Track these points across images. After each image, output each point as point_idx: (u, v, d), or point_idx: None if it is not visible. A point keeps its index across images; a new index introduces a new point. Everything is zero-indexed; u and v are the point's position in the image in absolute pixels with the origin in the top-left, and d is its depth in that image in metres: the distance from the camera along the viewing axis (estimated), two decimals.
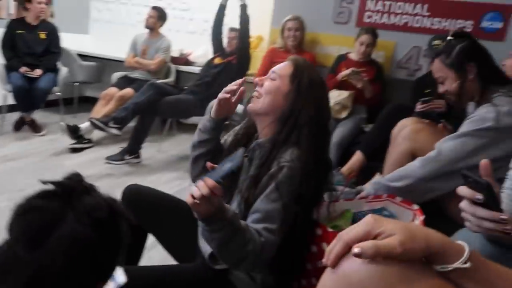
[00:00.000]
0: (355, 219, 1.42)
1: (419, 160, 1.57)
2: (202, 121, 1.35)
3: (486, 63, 1.51)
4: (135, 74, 4.02)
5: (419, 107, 2.40)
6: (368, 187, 1.64)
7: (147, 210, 1.39)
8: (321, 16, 3.41)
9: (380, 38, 3.12)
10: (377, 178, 1.66)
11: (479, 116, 1.49)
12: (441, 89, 1.59)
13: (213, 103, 1.32)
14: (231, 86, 1.28)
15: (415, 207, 1.40)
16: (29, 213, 0.63)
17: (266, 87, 1.23)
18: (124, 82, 3.94)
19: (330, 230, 1.22)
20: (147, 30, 4.07)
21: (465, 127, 1.53)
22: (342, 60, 3.21)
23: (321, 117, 1.21)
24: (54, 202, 0.64)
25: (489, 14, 3.10)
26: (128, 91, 3.70)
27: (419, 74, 3.29)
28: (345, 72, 2.97)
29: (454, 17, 3.20)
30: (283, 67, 1.24)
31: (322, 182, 1.21)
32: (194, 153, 1.36)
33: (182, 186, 2.92)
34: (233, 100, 1.29)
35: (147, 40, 4.09)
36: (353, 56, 3.18)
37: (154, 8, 4.03)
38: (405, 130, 1.75)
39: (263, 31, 3.85)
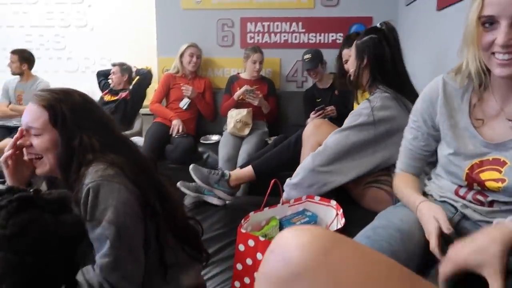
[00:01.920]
0: (281, 225, 1.45)
1: (310, 155, 1.72)
2: None
3: (379, 63, 1.72)
4: (13, 122, 3.65)
5: (313, 115, 2.65)
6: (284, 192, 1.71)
7: None
8: (207, 42, 3.49)
9: (265, 56, 3.30)
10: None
11: (357, 111, 1.72)
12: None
13: None
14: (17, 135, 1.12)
15: (333, 202, 1.49)
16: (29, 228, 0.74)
17: (40, 146, 1.08)
18: (2, 132, 3.56)
19: (262, 239, 1.23)
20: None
21: (347, 121, 1.73)
22: (235, 80, 3.33)
23: (102, 125, 1.12)
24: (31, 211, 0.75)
25: (354, 26, 3.49)
26: (8, 141, 3.32)
27: (306, 85, 3.56)
28: (240, 91, 3.08)
29: (326, 31, 3.54)
30: (37, 118, 1.07)
31: (152, 176, 1.13)
32: None
33: None
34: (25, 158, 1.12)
35: (20, 85, 3.75)
36: (245, 75, 3.32)
37: (13, 52, 3.70)
38: (308, 128, 1.88)
39: (150, 63, 3.81)
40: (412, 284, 0.60)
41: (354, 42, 1.81)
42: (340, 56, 2.38)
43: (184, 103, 3.26)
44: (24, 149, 1.12)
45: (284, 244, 0.59)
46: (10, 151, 1.12)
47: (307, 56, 3.12)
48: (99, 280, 1.00)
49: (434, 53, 1.88)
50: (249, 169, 1.97)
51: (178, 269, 1.14)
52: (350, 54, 1.94)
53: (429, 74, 2.38)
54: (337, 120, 2.46)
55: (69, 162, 1.05)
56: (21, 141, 1.10)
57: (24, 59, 3.71)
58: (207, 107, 3.37)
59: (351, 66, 1.83)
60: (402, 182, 1.24)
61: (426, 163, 1.26)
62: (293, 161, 1.91)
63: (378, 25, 1.77)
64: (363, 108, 1.69)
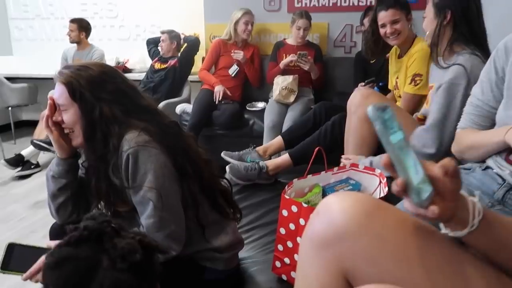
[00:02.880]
0: (325, 192, 1.48)
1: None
2: (51, 167, 1.23)
3: (466, 17, 1.59)
4: None
5: (362, 85, 2.56)
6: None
7: None
8: (253, 7, 3.44)
9: (313, 21, 3.21)
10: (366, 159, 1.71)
11: (453, 73, 1.53)
12: (389, 30, 1.91)
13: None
14: (47, 111, 1.17)
15: (378, 171, 1.48)
16: (62, 265, 0.61)
17: (68, 120, 1.14)
18: None
19: (305, 205, 1.26)
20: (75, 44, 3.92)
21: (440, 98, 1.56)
22: (281, 46, 3.29)
23: (122, 94, 1.15)
24: (86, 248, 0.62)
25: None
26: None
27: (355, 50, 3.45)
28: (287, 60, 3.06)
29: None
30: (60, 94, 1.13)
31: (179, 142, 1.17)
32: (56, 201, 1.22)
33: None
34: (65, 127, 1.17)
35: (77, 53, 3.94)
36: (291, 41, 3.27)
37: (72, 21, 3.88)
38: (355, 98, 1.83)
39: (197, 30, 3.84)
40: (450, 250, 0.62)
41: (430, 2, 1.65)
42: (375, 20, 2.11)
43: (233, 70, 3.28)
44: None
45: (329, 207, 0.63)
46: (46, 113, 1.18)
47: None
48: None
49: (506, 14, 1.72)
50: (286, 157, 1.97)
51: (214, 227, 1.22)
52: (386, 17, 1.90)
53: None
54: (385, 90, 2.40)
55: (93, 133, 1.11)
56: (54, 117, 1.17)
57: (82, 28, 3.88)
58: (255, 73, 3.37)
59: (428, 25, 1.66)
60: (469, 133, 1.18)
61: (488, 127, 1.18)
62: (331, 147, 1.91)
63: None
64: (458, 77, 1.50)
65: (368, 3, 3.38)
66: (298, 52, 3.00)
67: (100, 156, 1.11)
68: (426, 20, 1.70)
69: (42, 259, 1.07)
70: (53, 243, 1.14)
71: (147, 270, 0.66)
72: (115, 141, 1.08)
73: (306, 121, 2.22)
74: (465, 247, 0.63)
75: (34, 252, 1.14)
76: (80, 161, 1.25)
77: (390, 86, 2.30)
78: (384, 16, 2.04)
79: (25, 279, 1.09)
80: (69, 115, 1.13)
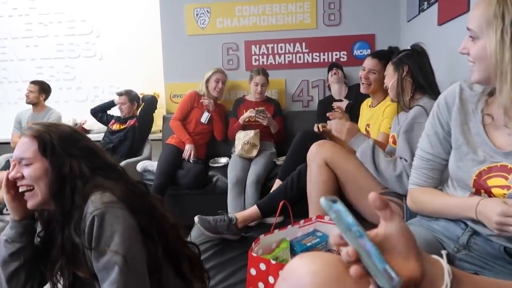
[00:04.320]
0: (292, 246, 1.45)
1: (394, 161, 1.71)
2: (4, 232, 1.18)
3: (421, 69, 1.80)
4: None
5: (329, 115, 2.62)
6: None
7: None
8: (212, 66, 3.53)
9: (270, 77, 3.35)
10: None
11: (414, 113, 1.70)
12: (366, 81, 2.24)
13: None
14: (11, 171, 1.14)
15: None
16: None
17: (31, 175, 1.10)
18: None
19: (273, 262, 1.23)
20: (30, 106, 3.83)
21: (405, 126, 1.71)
22: (241, 102, 3.37)
23: (90, 152, 1.15)
24: None
25: (357, 44, 3.54)
26: (4, 173, 3.36)
27: (312, 104, 3.58)
28: (246, 115, 3.11)
29: (330, 50, 3.58)
30: (26, 148, 1.11)
31: (147, 204, 1.15)
32: (7, 270, 1.14)
33: None
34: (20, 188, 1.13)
35: (32, 116, 3.83)
36: (250, 97, 3.36)
37: (34, 82, 3.81)
38: (312, 149, 1.88)
39: (157, 89, 3.87)
40: None
41: (389, 63, 1.90)
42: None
43: (205, 118, 3.30)
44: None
45: (296, 272, 0.59)
46: (4, 184, 1.13)
47: None
48: None
49: (437, 67, 1.91)
50: (254, 209, 1.97)
51: None
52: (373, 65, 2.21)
53: None
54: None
55: (62, 189, 1.08)
56: (13, 173, 1.12)
57: (43, 90, 3.82)
58: (221, 127, 3.38)
59: (389, 80, 1.88)
60: (432, 194, 1.19)
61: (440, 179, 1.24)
62: (298, 197, 1.93)
63: (409, 47, 1.88)
64: (418, 117, 1.67)
65: (321, 60, 3.57)
66: (256, 109, 3.07)
67: (67, 212, 1.07)
68: (387, 76, 1.92)
69: None
70: None
71: None
72: (79, 198, 1.05)
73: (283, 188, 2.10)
74: None
75: None
76: (38, 229, 1.19)
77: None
78: (367, 62, 2.31)
79: None
80: (33, 170, 1.09)
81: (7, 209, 2.98)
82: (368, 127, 2.31)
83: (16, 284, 1.14)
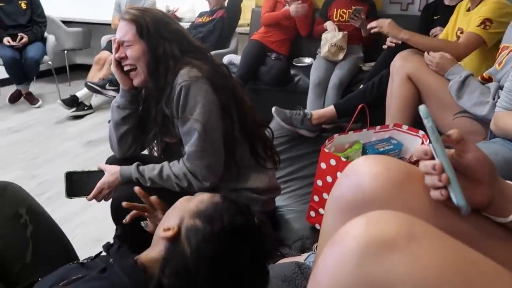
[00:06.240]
0: (365, 149, 1.49)
1: None
2: (116, 99, 1.36)
3: None
4: None
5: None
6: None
7: None
8: None
9: None
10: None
11: None
12: None
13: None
14: (114, 52, 1.28)
15: (421, 133, 1.47)
16: None
17: (132, 55, 1.24)
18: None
19: (343, 159, 1.29)
20: None
21: None
22: (332, 1, 3.17)
23: (181, 35, 1.27)
24: None
25: None
26: (108, 53, 3.65)
27: (412, 8, 3.27)
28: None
29: None
30: (126, 31, 1.24)
31: (229, 85, 1.27)
32: (119, 131, 1.34)
33: None
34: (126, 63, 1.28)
35: (130, 0, 3.98)
36: None
37: None
38: (396, 61, 1.81)
39: None
40: (486, 228, 0.58)
41: None
42: None
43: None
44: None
45: (358, 171, 0.61)
46: (115, 55, 1.29)
47: None
48: (184, 171, 1.21)
49: None
50: (331, 108, 1.99)
51: (250, 170, 1.31)
52: None
53: None
54: None
55: (157, 68, 1.23)
56: (118, 54, 1.27)
57: None
58: (306, 23, 3.20)
59: None
60: None
61: None
62: (377, 102, 1.88)
63: None
64: None
65: None
66: (354, 8, 2.88)
67: (161, 88, 1.22)
68: None
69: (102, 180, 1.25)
70: (103, 166, 1.29)
71: None
72: (172, 75, 1.19)
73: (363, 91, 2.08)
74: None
75: (89, 175, 1.31)
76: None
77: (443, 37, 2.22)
78: None
79: (90, 199, 1.28)
80: (134, 51, 1.24)
81: (109, 85, 3.32)
82: (460, 33, 2.04)
83: (124, 144, 1.36)
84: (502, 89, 1.49)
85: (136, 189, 1.01)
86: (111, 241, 0.93)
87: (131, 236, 1.03)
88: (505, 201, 0.56)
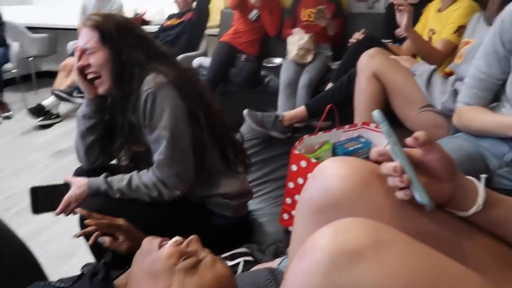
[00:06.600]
0: (335, 149, 1.50)
1: None
2: (81, 108, 1.33)
3: None
4: None
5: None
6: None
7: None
8: None
9: None
10: None
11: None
12: None
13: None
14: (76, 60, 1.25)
15: None
16: None
17: (96, 62, 1.22)
18: None
19: (314, 161, 1.30)
20: None
21: None
22: (299, 0, 3.18)
23: (145, 41, 1.25)
24: None
25: None
26: (73, 59, 3.57)
27: (377, 6, 3.33)
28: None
29: None
30: (88, 38, 1.21)
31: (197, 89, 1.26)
32: (85, 142, 1.32)
33: None
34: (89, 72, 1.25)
35: (97, 4, 3.90)
36: None
37: None
38: (362, 59, 1.83)
39: None
40: (449, 220, 0.60)
41: None
42: None
43: (253, 14, 3.18)
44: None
45: (326, 173, 0.61)
46: (77, 63, 1.25)
47: None
48: (154, 180, 1.19)
49: None
50: (302, 109, 2.01)
51: (221, 175, 1.29)
52: None
53: None
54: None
55: (122, 75, 1.21)
56: (80, 62, 1.24)
57: None
58: (273, 22, 3.22)
59: None
60: (480, 111, 1.17)
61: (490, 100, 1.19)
62: (346, 101, 1.90)
63: None
64: None
65: None
66: (318, 8, 2.90)
67: (126, 96, 1.20)
68: None
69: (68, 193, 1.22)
70: (70, 178, 1.25)
71: None
72: (137, 82, 1.18)
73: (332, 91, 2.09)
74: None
75: (56, 189, 1.26)
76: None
77: None
78: None
79: (58, 214, 1.24)
80: (97, 58, 1.21)
81: (77, 92, 3.24)
82: (433, 33, 2.13)
83: (92, 155, 1.34)
84: (462, 80, 1.55)
85: (78, 210, 1.02)
86: (92, 262, 0.89)
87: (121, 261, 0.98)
88: (465, 196, 0.58)
